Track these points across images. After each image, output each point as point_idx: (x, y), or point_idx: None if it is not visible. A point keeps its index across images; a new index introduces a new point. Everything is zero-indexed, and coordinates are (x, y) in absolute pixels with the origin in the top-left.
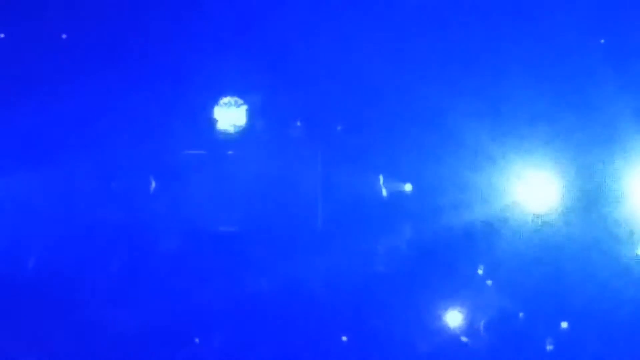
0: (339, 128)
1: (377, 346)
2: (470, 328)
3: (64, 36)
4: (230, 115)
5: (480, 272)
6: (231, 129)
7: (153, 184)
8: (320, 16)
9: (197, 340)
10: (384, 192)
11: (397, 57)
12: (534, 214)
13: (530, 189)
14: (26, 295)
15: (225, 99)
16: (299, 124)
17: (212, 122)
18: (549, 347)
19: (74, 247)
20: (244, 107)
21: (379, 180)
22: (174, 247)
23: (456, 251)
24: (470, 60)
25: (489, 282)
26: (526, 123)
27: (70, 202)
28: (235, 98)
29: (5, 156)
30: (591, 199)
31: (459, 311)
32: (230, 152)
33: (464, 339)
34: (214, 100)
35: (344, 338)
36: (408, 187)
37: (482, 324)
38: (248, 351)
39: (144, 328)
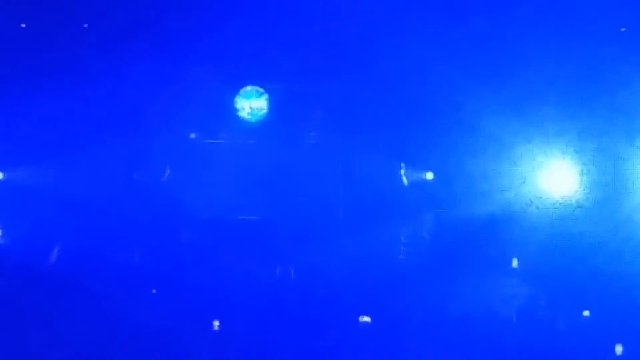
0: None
1: (398, 333)
2: (491, 314)
3: (85, 25)
4: (251, 104)
5: (502, 260)
6: (252, 118)
7: (168, 172)
8: (342, 7)
9: (217, 325)
10: (405, 181)
11: (419, 48)
12: (555, 203)
13: (551, 178)
14: (52, 282)
15: (247, 88)
16: (320, 112)
17: (233, 111)
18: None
19: (97, 236)
20: (265, 96)
21: (400, 168)
22: (195, 236)
23: (477, 239)
24: (492, 52)
25: (515, 262)
26: (548, 113)
27: (93, 192)
28: (257, 87)
29: (27, 146)
30: (612, 189)
31: (479, 298)
32: (251, 141)
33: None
34: (236, 90)
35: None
36: (429, 176)
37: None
38: (269, 337)
39: (166, 314)
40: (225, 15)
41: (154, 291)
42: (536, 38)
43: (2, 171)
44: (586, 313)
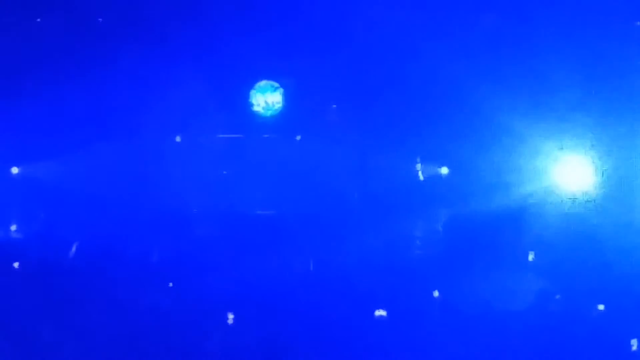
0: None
1: (413, 327)
2: (506, 308)
3: (100, 19)
4: (266, 99)
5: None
6: (267, 113)
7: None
8: (358, 2)
9: (232, 318)
10: (421, 176)
11: (436, 43)
12: (570, 197)
13: (567, 171)
14: (68, 276)
15: (262, 83)
16: (334, 107)
17: (248, 105)
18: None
19: (113, 231)
20: (280, 91)
21: (416, 163)
22: (211, 230)
23: (493, 233)
24: (509, 47)
25: (531, 256)
26: (564, 108)
27: (110, 187)
28: (272, 82)
29: (42, 141)
30: (628, 183)
31: (494, 292)
32: (266, 136)
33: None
34: (250, 84)
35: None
36: (444, 171)
37: None
38: (284, 330)
39: (182, 308)
40: (241, 10)
41: (170, 285)
42: (552, 32)
43: (17, 166)
44: (601, 307)
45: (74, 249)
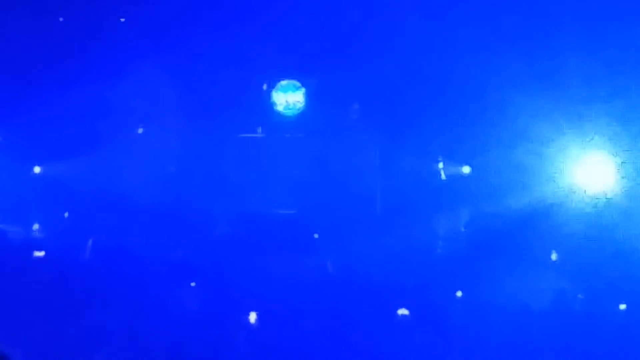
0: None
1: (436, 326)
2: (528, 307)
3: (122, 19)
4: (288, 98)
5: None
6: (289, 112)
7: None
8: (379, 3)
9: (254, 318)
10: (443, 175)
11: (455, 42)
12: (592, 197)
13: (589, 171)
14: (89, 275)
15: (284, 82)
16: (356, 106)
17: (270, 105)
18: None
19: (134, 230)
20: (302, 90)
21: (437, 162)
22: (232, 230)
23: (515, 233)
24: (528, 46)
25: (554, 256)
26: (585, 107)
27: (130, 186)
28: (293, 81)
29: (63, 140)
30: None
31: (517, 291)
32: (288, 135)
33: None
34: (272, 84)
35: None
36: (466, 170)
37: None
38: (306, 330)
39: (204, 307)
40: (263, 9)
41: (192, 284)
42: (575, 32)
43: (39, 165)
44: (623, 307)
45: (91, 248)
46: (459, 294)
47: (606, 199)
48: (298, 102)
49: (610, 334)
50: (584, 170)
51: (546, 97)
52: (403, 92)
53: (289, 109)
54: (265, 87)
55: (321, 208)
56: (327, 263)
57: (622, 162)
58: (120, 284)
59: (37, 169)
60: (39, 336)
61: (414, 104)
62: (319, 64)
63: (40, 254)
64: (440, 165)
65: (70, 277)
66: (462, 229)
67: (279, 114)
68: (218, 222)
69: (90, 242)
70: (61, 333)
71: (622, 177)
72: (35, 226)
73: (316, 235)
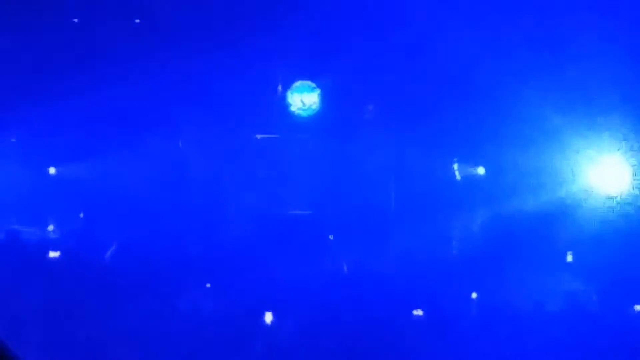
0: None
1: (451, 327)
2: (544, 307)
3: (137, 21)
4: (303, 99)
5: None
6: (304, 113)
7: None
8: (395, 4)
9: (270, 318)
10: (458, 176)
11: (473, 43)
12: (607, 198)
13: (604, 173)
14: (105, 276)
15: (298, 83)
16: (371, 107)
17: (285, 106)
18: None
19: (150, 231)
20: (317, 91)
21: (452, 163)
22: (248, 231)
23: (529, 234)
24: (544, 48)
25: (569, 257)
26: (601, 109)
27: (146, 187)
28: (309, 82)
29: (78, 141)
30: None
31: (531, 292)
32: (303, 136)
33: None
34: (287, 85)
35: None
36: (481, 171)
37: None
38: (321, 329)
39: (219, 308)
40: (279, 12)
41: (208, 285)
42: (591, 34)
43: (54, 166)
44: (638, 307)
45: (108, 249)
46: (474, 295)
47: (622, 200)
48: (313, 103)
49: (625, 334)
50: (599, 172)
51: (562, 99)
52: (418, 93)
53: (304, 110)
54: (280, 88)
55: (336, 209)
56: (342, 264)
57: (638, 164)
58: (135, 284)
59: (52, 170)
60: (54, 335)
61: (429, 105)
62: (334, 66)
63: (55, 254)
64: (455, 166)
65: (85, 277)
66: (477, 230)
67: (294, 115)
68: (234, 223)
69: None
70: (76, 333)
71: (638, 179)
72: (51, 227)
73: (331, 236)
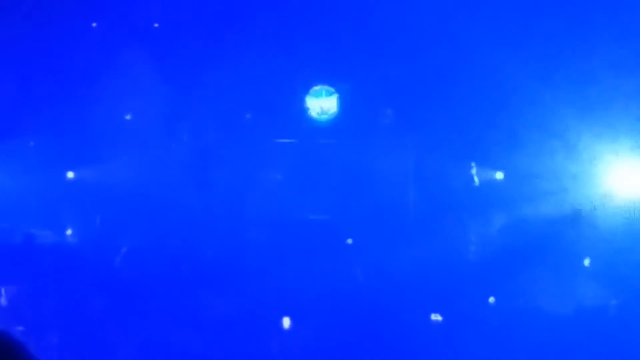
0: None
1: (469, 332)
2: (561, 312)
3: (155, 25)
4: (321, 104)
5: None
6: (322, 118)
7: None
8: (412, 5)
9: (287, 324)
10: (476, 181)
11: (491, 47)
12: (626, 202)
13: (623, 177)
14: (122, 281)
15: (317, 88)
16: (390, 112)
17: (303, 110)
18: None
19: (167, 236)
20: (335, 96)
21: (470, 168)
22: (265, 235)
23: (548, 239)
24: (564, 52)
25: (587, 261)
26: (618, 113)
27: (163, 192)
28: (327, 87)
29: (97, 146)
30: None
31: (550, 297)
32: (321, 141)
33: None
34: (306, 89)
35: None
36: (499, 176)
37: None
38: (338, 335)
39: (236, 313)
40: (296, 15)
41: (224, 289)
42: (609, 37)
43: (72, 170)
44: None
45: (123, 253)
46: (491, 299)
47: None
48: (331, 107)
49: None
50: (618, 176)
51: (580, 103)
52: (436, 97)
53: (323, 114)
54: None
55: (354, 214)
56: (360, 268)
57: None
58: (152, 288)
59: (70, 174)
60: (72, 340)
61: (447, 109)
62: (352, 69)
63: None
64: (474, 171)
65: (103, 282)
66: (495, 235)
67: (312, 119)
68: (251, 228)
69: (124, 250)
70: (92, 338)
71: None
72: (69, 231)
73: (349, 241)
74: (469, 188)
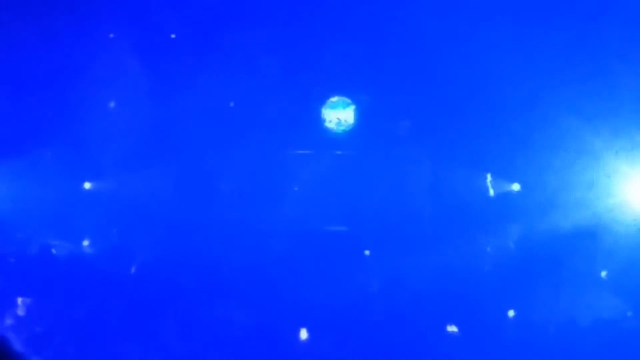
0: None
1: (484, 343)
2: (577, 324)
3: (172, 36)
4: (338, 115)
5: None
6: (339, 129)
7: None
8: (429, 18)
9: (304, 335)
10: (492, 192)
11: (507, 58)
12: None
13: (638, 189)
14: (139, 291)
15: (334, 99)
16: (406, 123)
17: (320, 122)
18: None
19: (183, 246)
20: (352, 107)
21: (486, 179)
22: (282, 247)
23: (564, 250)
24: (579, 63)
25: (604, 273)
26: (635, 125)
27: (180, 202)
28: (343, 98)
29: (114, 157)
30: None
31: (565, 308)
32: (338, 152)
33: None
34: (322, 101)
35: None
36: (516, 187)
37: None
38: (355, 346)
39: (253, 324)
40: (312, 27)
41: (242, 301)
42: (627, 52)
43: (89, 181)
44: None
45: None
46: (511, 313)
47: None
48: (348, 118)
49: None
50: (635, 187)
51: (596, 114)
52: (452, 109)
53: (340, 125)
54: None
55: (371, 225)
56: (378, 280)
57: None
58: (168, 299)
59: (87, 185)
60: (88, 350)
61: (464, 121)
62: (369, 81)
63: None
64: (490, 182)
65: (119, 293)
66: (512, 246)
67: (329, 130)
68: (269, 239)
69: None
70: (108, 348)
71: None
72: (85, 242)
73: (367, 252)
74: (485, 199)
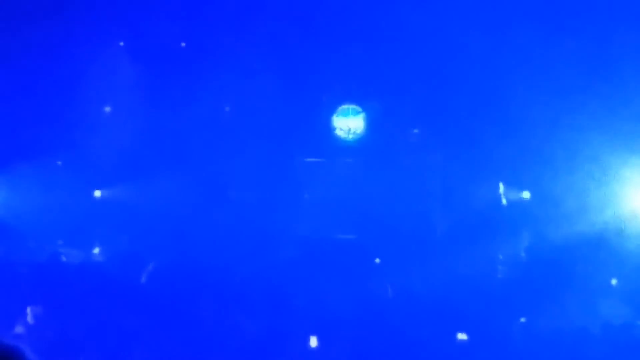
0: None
1: (495, 351)
2: (587, 331)
3: (183, 44)
4: (348, 123)
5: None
6: (350, 137)
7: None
8: (440, 26)
9: (314, 343)
10: (504, 200)
11: (517, 67)
12: None
13: None
14: (150, 298)
15: (344, 107)
16: (416, 131)
17: (331, 129)
18: None
19: (194, 253)
20: (363, 115)
21: (498, 187)
22: (293, 254)
23: (575, 258)
24: (592, 73)
25: (614, 281)
26: None
27: (191, 210)
28: (354, 106)
29: (125, 165)
30: None
31: (576, 316)
32: (349, 160)
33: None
34: (333, 109)
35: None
36: (527, 195)
37: None
38: (366, 354)
39: (264, 332)
40: (323, 36)
41: (253, 308)
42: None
43: (100, 189)
44: None
45: (151, 271)
46: (522, 320)
47: None
48: (358, 127)
49: None
50: None
51: (607, 123)
52: (463, 117)
53: (350, 133)
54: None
55: (382, 233)
56: (388, 287)
57: None
58: (179, 306)
59: (97, 193)
60: (98, 358)
61: (474, 129)
62: (379, 89)
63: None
64: (501, 190)
65: (130, 300)
66: (523, 254)
67: (339, 138)
68: (279, 247)
69: (150, 266)
70: (119, 357)
71: None
72: (96, 250)
73: (377, 260)
74: (496, 207)
